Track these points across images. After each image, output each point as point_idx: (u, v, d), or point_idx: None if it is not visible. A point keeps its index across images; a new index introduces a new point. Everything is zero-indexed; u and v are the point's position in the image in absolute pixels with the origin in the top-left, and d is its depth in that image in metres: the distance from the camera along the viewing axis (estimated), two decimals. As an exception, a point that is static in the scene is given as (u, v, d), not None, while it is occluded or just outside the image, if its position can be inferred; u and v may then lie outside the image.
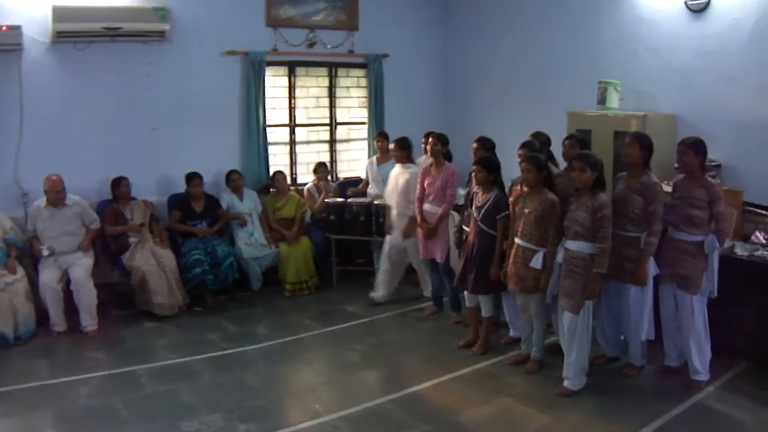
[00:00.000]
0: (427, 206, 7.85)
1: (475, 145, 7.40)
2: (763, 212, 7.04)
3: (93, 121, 8.48)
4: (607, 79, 8.12)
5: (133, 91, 8.72)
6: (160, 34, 8.54)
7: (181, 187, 8.77)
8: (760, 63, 7.15)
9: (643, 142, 6.23)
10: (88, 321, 7.56)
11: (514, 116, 9.68)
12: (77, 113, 8.38)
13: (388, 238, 8.47)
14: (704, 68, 7.61)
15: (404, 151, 8.36)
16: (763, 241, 6.75)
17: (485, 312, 7.05)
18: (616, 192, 6.34)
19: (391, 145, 8.59)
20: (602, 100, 8.10)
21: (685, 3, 7.68)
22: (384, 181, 9.28)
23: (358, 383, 6.54)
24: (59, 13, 7.91)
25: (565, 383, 6.15)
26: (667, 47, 7.95)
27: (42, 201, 7.66)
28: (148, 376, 6.55)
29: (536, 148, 6.89)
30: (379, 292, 8.61)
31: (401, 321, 8.17)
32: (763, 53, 7.13)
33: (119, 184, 8.29)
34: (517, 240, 6.47)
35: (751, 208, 7.10)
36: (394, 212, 8.41)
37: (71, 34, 8.08)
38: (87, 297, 7.54)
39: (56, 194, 7.58)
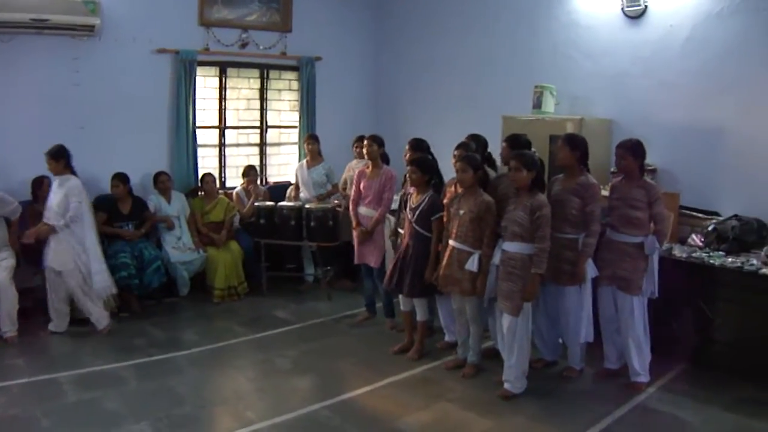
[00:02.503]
0: (363, 209, 7.75)
1: (407, 147, 7.32)
2: (699, 215, 7.20)
3: (15, 118, 8.20)
4: (543, 84, 8.15)
5: (59, 88, 8.44)
6: (90, 29, 8.28)
7: (109, 187, 8.50)
8: (695, 69, 7.33)
9: (573, 143, 6.27)
10: (8, 326, 7.22)
11: (449, 120, 9.67)
12: (-2, 108, 8.08)
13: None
14: (640, 74, 7.75)
15: (59, 161, 7.41)
16: (700, 244, 6.89)
17: (420, 316, 6.99)
18: (553, 194, 6.33)
19: (48, 159, 7.39)
20: (538, 105, 8.15)
21: (622, 9, 7.82)
22: (314, 184, 9.22)
23: (291, 390, 6.38)
24: (-18, 2, 7.61)
25: (506, 386, 6.11)
26: (604, 53, 8.08)
27: None
28: (72, 384, 6.27)
29: (472, 149, 6.85)
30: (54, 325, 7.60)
31: (334, 327, 8.05)
32: (698, 60, 7.30)
33: (41, 184, 7.98)
34: (451, 242, 6.42)
35: (687, 211, 7.26)
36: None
37: (-5, 25, 7.78)
38: (8, 301, 7.19)
39: None
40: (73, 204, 7.27)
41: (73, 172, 7.48)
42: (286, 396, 6.23)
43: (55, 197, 7.35)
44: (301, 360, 7.02)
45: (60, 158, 7.37)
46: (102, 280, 7.46)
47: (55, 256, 7.30)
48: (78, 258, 7.33)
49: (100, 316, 7.53)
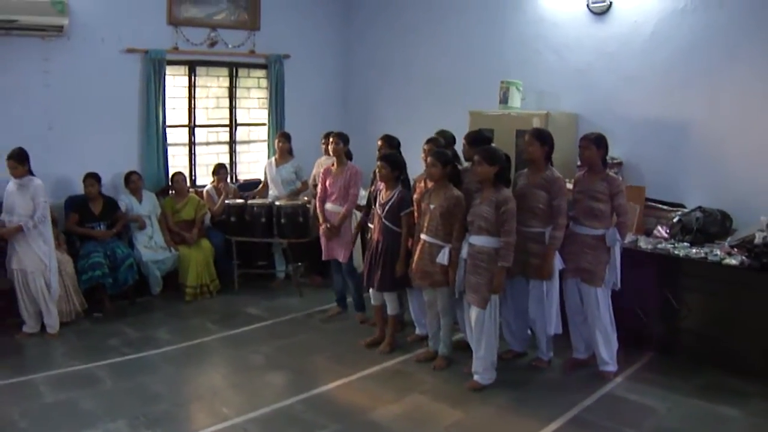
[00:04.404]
0: (329, 206, 7.83)
1: (379, 142, 7.49)
2: (664, 207, 7.34)
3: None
4: (509, 79, 8.25)
5: (28, 88, 8.33)
6: (59, 29, 8.20)
7: (79, 188, 8.46)
8: (659, 64, 7.50)
9: (542, 138, 6.35)
10: (-19, 329, 7.19)
11: (417, 116, 9.73)
12: (-33, 111, 7.98)
13: None
14: (605, 69, 7.89)
15: (25, 164, 7.30)
16: (665, 235, 7.03)
17: (390, 310, 7.08)
18: (519, 188, 6.42)
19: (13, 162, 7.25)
20: (504, 100, 8.25)
21: (588, 5, 7.95)
22: (283, 182, 9.26)
23: (265, 385, 6.45)
24: (-50, 4, 7.52)
25: (476, 377, 6.22)
26: (569, 48, 8.21)
27: None
28: (47, 385, 6.27)
29: (441, 144, 6.97)
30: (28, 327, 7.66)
31: (305, 323, 8.10)
32: (662, 55, 7.47)
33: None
34: (422, 236, 6.50)
35: (653, 204, 7.39)
36: None
37: (-37, 26, 7.69)
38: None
39: None
40: (41, 204, 7.22)
41: (32, 173, 7.38)
42: (261, 391, 6.29)
43: (17, 199, 7.25)
44: (274, 355, 7.09)
45: (25, 160, 7.27)
46: (55, 280, 7.41)
47: (23, 257, 7.24)
48: (45, 258, 7.28)
49: (56, 320, 7.50)
